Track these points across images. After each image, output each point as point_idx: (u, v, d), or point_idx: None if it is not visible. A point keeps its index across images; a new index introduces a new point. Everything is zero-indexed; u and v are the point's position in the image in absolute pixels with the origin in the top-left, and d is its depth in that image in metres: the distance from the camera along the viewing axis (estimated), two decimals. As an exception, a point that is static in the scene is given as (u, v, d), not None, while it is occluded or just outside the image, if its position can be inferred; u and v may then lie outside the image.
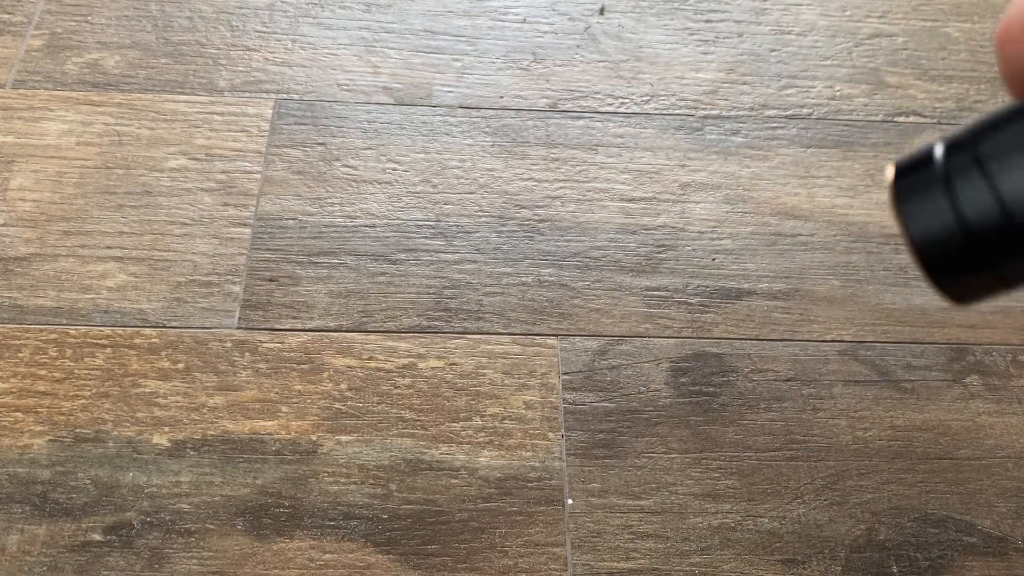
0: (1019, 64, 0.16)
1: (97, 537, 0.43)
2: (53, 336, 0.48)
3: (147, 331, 0.49)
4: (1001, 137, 0.16)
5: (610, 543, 0.44)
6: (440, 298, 0.51)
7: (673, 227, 0.55)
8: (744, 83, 0.62)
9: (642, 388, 0.49)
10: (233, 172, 0.55)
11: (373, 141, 0.57)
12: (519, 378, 0.49)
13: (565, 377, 0.49)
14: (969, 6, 0.68)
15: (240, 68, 0.60)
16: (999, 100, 0.62)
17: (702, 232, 0.55)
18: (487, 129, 0.59)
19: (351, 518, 0.44)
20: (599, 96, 0.61)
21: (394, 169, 0.56)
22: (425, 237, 0.53)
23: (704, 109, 0.61)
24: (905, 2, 0.68)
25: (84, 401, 0.46)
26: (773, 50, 0.64)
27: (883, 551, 0.44)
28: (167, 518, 0.43)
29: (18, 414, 0.46)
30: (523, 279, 0.52)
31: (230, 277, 0.51)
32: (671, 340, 0.51)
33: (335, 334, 0.50)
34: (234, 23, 0.62)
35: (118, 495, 0.44)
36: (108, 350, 0.48)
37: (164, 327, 0.49)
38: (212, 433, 0.46)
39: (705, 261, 0.54)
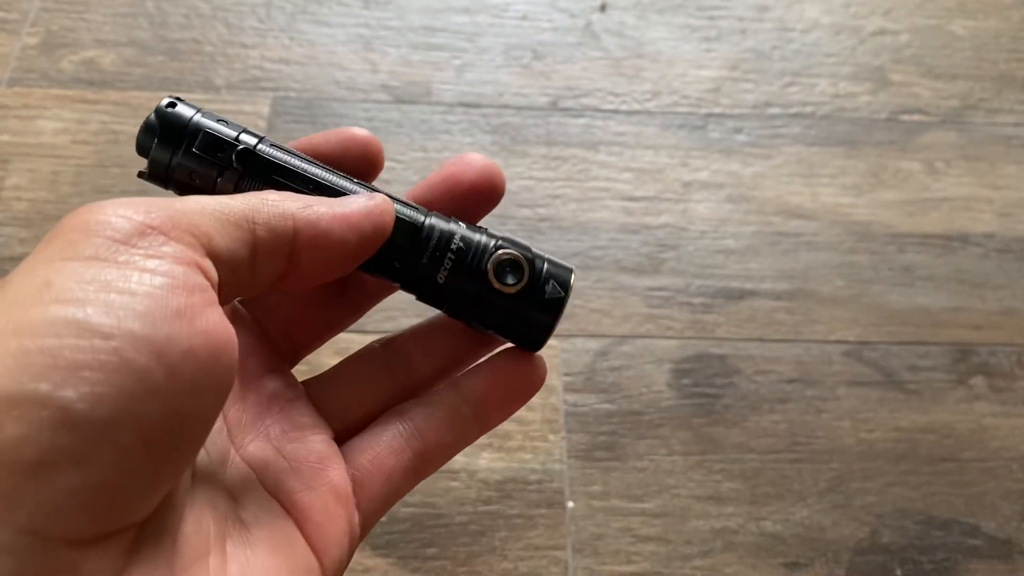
0: None
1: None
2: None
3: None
4: None
5: (611, 546, 0.44)
6: (439, 298, 0.51)
7: (675, 226, 0.55)
8: (747, 80, 0.62)
9: (644, 389, 0.48)
10: (230, 171, 0.55)
11: (372, 139, 0.57)
12: (519, 379, 0.48)
13: (566, 378, 0.48)
14: (974, 4, 0.67)
15: (237, 66, 0.59)
16: (1003, 97, 0.62)
17: (704, 232, 0.55)
18: (487, 127, 0.58)
19: (349, 521, 0.43)
20: (600, 94, 0.60)
21: (392, 168, 0.56)
22: (424, 236, 0.53)
23: (706, 107, 0.60)
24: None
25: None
26: (776, 47, 0.64)
27: (887, 554, 0.44)
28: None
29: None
30: (523, 279, 0.52)
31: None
32: (673, 341, 0.50)
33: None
34: (231, 20, 0.62)
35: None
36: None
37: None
38: (209, 435, 0.45)
39: (708, 261, 0.53)
